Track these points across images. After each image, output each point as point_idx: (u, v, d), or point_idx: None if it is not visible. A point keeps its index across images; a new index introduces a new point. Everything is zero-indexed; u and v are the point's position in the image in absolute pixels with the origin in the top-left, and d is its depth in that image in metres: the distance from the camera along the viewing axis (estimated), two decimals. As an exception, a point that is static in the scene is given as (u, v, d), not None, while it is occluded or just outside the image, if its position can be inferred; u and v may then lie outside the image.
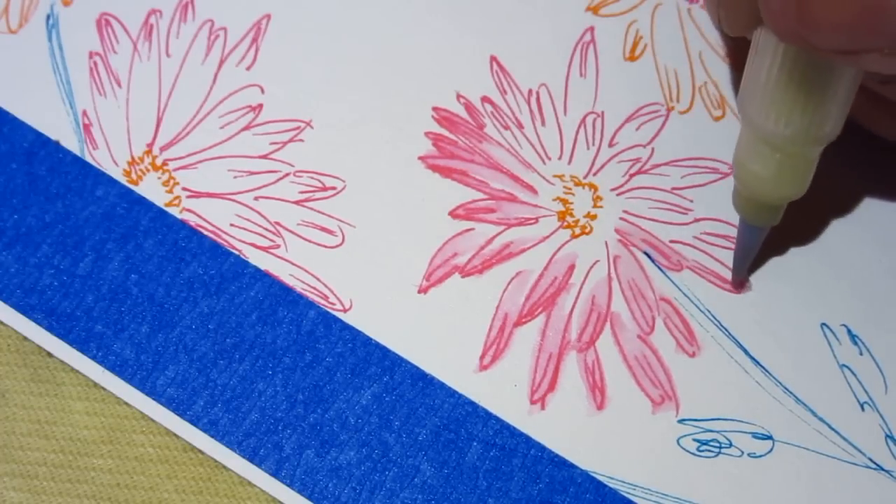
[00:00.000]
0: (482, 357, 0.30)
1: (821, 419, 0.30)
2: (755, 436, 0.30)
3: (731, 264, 0.31)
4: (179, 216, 0.32)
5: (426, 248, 0.31)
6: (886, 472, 0.29)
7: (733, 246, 0.31)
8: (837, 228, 0.32)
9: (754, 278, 0.31)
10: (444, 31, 0.34)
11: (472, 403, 0.30)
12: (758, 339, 0.30)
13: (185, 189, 0.32)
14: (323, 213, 0.32)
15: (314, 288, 0.31)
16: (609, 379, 0.30)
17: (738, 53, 0.33)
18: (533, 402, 0.30)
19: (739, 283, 0.31)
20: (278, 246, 0.31)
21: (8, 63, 0.33)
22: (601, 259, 0.31)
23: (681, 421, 0.30)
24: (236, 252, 0.31)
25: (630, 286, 0.31)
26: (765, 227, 0.30)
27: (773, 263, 0.31)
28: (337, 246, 0.31)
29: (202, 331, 0.30)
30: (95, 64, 0.33)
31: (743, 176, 0.28)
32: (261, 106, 0.33)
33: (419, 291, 0.31)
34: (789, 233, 0.31)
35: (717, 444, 0.29)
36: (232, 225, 0.32)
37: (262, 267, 0.31)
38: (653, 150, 0.32)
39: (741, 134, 0.28)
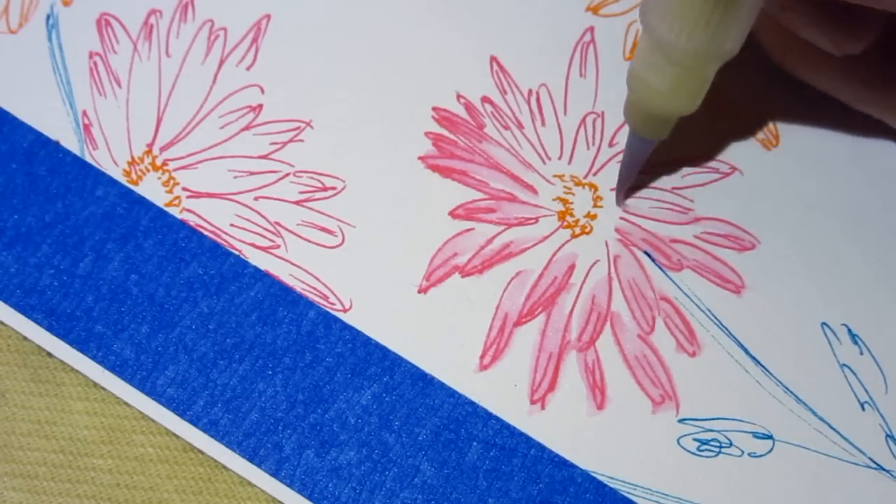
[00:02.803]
0: (482, 357, 0.30)
1: (821, 419, 0.30)
2: (755, 435, 0.30)
3: (732, 263, 0.31)
4: (179, 216, 0.32)
5: (426, 248, 0.31)
6: (887, 471, 0.29)
7: (734, 246, 0.31)
8: (837, 228, 0.32)
9: (754, 278, 0.31)
10: (444, 31, 0.34)
11: (472, 403, 0.30)
12: (758, 338, 0.30)
13: (185, 189, 0.32)
14: (323, 213, 0.32)
15: (314, 288, 0.31)
16: (609, 379, 0.30)
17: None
18: (533, 402, 0.30)
19: (622, 197, 0.31)
20: (278, 246, 0.31)
21: (8, 63, 0.33)
22: (601, 259, 0.31)
23: (681, 420, 0.30)
24: (236, 252, 0.31)
25: (630, 286, 0.31)
26: (653, 139, 0.30)
27: (773, 263, 0.31)
28: (337, 246, 0.31)
29: (202, 331, 0.30)
30: (95, 64, 0.33)
31: (638, 87, 0.29)
32: (261, 106, 0.33)
33: (419, 291, 0.31)
34: (789, 232, 0.31)
35: (718, 444, 0.29)
36: (232, 225, 0.32)
37: (262, 267, 0.31)
38: (653, 151, 0.32)
39: (640, 45, 0.28)
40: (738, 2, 0.26)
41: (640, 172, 0.32)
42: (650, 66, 0.28)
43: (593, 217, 0.32)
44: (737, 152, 0.32)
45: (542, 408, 0.30)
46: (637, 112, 0.30)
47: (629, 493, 0.29)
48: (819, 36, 0.28)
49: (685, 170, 0.32)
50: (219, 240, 0.31)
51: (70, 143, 0.32)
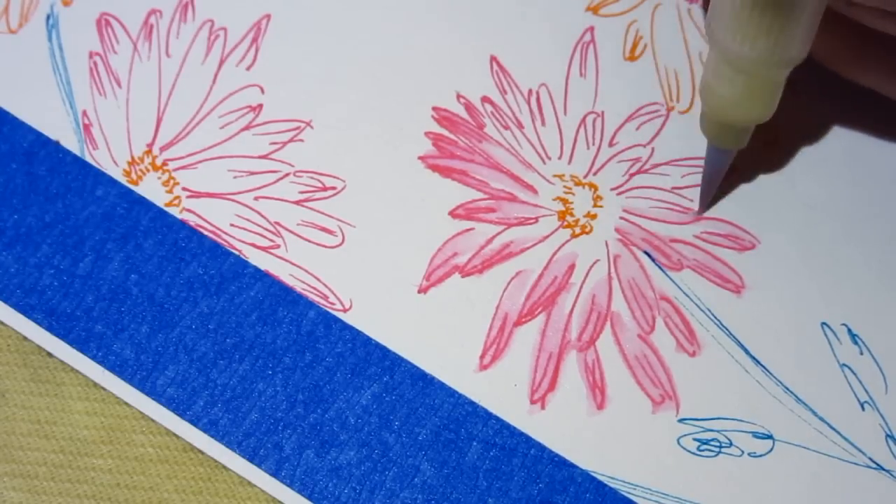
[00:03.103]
0: (482, 357, 0.30)
1: (821, 419, 0.30)
2: (755, 435, 0.30)
3: (732, 263, 0.31)
4: (179, 216, 0.32)
5: (426, 248, 0.31)
6: (887, 471, 0.29)
7: (734, 245, 0.31)
8: (837, 228, 0.32)
9: (754, 278, 0.31)
10: (444, 32, 0.34)
11: (472, 403, 0.30)
12: (758, 338, 0.30)
13: (185, 189, 0.32)
14: (323, 213, 0.32)
15: (314, 288, 0.31)
16: (609, 378, 0.30)
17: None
18: (533, 402, 0.30)
19: (703, 210, 0.31)
20: (278, 246, 0.31)
21: (8, 63, 0.33)
22: (601, 258, 0.31)
23: (681, 420, 0.30)
24: (236, 252, 0.31)
25: (630, 285, 0.31)
26: (731, 149, 0.30)
27: (774, 263, 0.31)
28: (337, 246, 0.31)
29: (202, 331, 0.30)
30: (95, 64, 0.33)
31: (710, 98, 0.29)
32: (261, 106, 0.33)
33: (419, 291, 0.31)
34: (789, 232, 0.31)
35: (718, 444, 0.29)
36: (232, 225, 0.32)
37: (262, 267, 0.31)
38: (653, 149, 0.32)
39: (709, 56, 0.28)
40: (799, 7, 0.26)
41: (640, 172, 0.32)
42: (719, 77, 0.28)
43: (593, 217, 0.32)
44: (737, 152, 0.32)
45: (542, 408, 0.30)
46: (712, 124, 0.30)
47: (629, 492, 0.29)
48: (890, 25, 0.28)
49: (685, 170, 0.32)
50: (219, 240, 0.31)
51: (70, 143, 0.32)
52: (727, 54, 0.27)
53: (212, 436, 0.30)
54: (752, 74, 0.28)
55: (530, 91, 0.33)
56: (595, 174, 0.32)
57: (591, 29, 0.34)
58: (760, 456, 0.29)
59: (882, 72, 0.30)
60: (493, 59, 0.33)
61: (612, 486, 0.29)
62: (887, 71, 0.30)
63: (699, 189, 0.31)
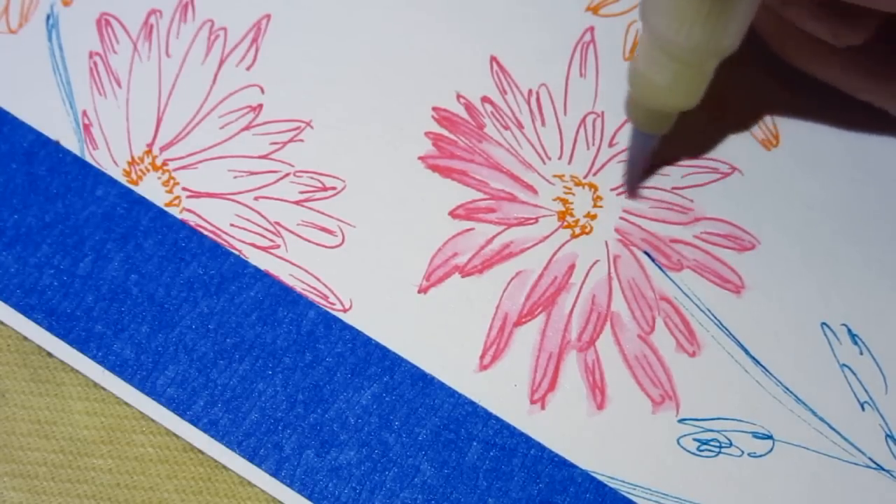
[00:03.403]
0: (482, 357, 0.30)
1: (821, 419, 0.30)
2: (755, 435, 0.30)
3: (732, 263, 0.31)
4: (179, 216, 0.32)
5: (426, 248, 0.31)
6: (886, 471, 0.29)
7: (734, 246, 0.31)
8: (837, 228, 0.32)
9: (754, 278, 0.31)
10: (444, 32, 0.34)
11: (472, 403, 0.30)
12: (758, 338, 0.30)
13: (185, 189, 0.32)
14: (323, 213, 0.32)
15: (314, 288, 0.31)
16: (609, 378, 0.30)
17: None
18: (533, 402, 0.30)
19: (632, 193, 0.32)
20: (278, 246, 0.31)
21: (8, 63, 0.33)
22: (601, 259, 0.31)
23: (681, 420, 0.30)
24: (236, 252, 0.31)
25: (630, 286, 0.31)
26: (655, 134, 0.30)
27: (774, 263, 0.31)
28: (337, 246, 0.31)
29: (202, 331, 0.30)
30: (95, 64, 0.33)
31: (638, 84, 0.29)
32: (261, 106, 0.33)
33: (419, 291, 0.31)
34: (789, 232, 0.31)
35: (718, 444, 0.29)
36: (232, 225, 0.32)
37: (262, 267, 0.31)
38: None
39: (640, 41, 0.28)
40: (736, 1, 0.26)
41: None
42: (650, 63, 0.28)
43: (593, 217, 0.32)
44: (737, 152, 0.32)
45: (542, 408, 0.30)
46: (638, 108, 0.30)
47: (629, 493, 0.29)
48: (821, 28, 0.28)
49: (685, 170, 0.32)
50: (219, 240, 0.31)
51: (70, 143, 0.32)
52: (661, 42, 0.27)
53: (212, 436, 0.30)
54: (684, 63, 0.28)
55: (530, 91, 0.33)
56: (595, 174, 0.32)
57: (591, 29, 0.34)
58: (760, 456, 0.29)
59: (831, 65, 0.31)
60: (493, 59, 0.33)
61: (612, 486, 0.29)
62: (835, 63, 0.31)
63: (625, 175, 0.32)
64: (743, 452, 0.29)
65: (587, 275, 0.31)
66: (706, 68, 0.28)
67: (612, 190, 0.32)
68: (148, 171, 0.32)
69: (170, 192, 0.32)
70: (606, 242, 0.31)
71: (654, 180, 0.32)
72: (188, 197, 0.32)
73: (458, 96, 0.33)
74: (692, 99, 0.29)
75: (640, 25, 0.28)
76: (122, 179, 0.32)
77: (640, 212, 0.32)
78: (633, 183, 0.32)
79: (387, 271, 0.31)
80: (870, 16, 0.28)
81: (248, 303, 0.31)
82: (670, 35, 0.27)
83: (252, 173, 0.32)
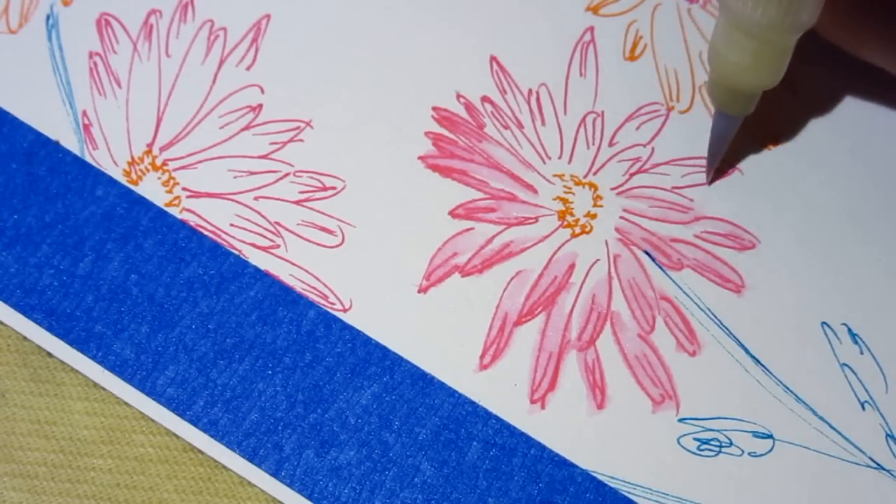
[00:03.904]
0: (482, 356, 0.30)
1: (821, 418, 0.30)
2: (756, 435, 0.30)
3: (732, 263, 0.31)
4: (179, 216, 0.32)
5: (426, 248, 0.31)
6: (887, 471, 0.29)
7: (734, 245, 0.31)
8: (837, 228, 0.32)
9: (754, 278, 0.31)
10: (443, 31, 0.34)
11: (472, 403, 0.30)
12: (758, 337, 0.30)
13: (185, 189, 0.32)
14: (323, 213, 0.32)
15: (314, 288, 0.31)
16: (609, 378, 0.30)
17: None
18: (533, 402, 0.30)
19: (711, 177, 0.32)
20: (278, 246, 0.31)
21: (8, 63, 0.33)
22: (601, 258, 0.31)
23: (681, 420, 0.30)
24: (236, 252, 0.31)
25: (630, 285, 0.31)
26: (739, 115, 0.30)
27: (773, 263, 0.31)
28: (337, 246, 0.31)
29: (202, 331, 0.30)
30: (95, 64, 0.33)
31: (719, 64, 0.29)
32: (261, 106, 0.33)
33: (419, 291, 0.31)
34: (789, 232, 0.31)
35: (718, 444, 0.29)
36: (232, 225, 0.32)
37: (262, 267, 0.31)
38: (653, 149, 0.32)
39: (718, 22, 0.29)
40: None
41: (640, 172, 0.32)
42: (729, 43, 0.28)
43: (593, 216, 0.32)
44: (737, 152, 0.32)
45: (542, 407, 0.30)
46: (720, 89, 0.30)
47: (629, 492, 0.29)
48: None
49: (685, 169, 0.32)
50: (219, 240, 0.31)
51: (70, 143, 0.32)
52: (738, 20, 0.27)
53: (212, 436, 0.30)
54: (763, 40, 0.28)
55: (530, 91, 0.33)
56: (595, 174, 0.32)
57: (591, 29, 0.34)
58: (760, 455, 0.29)
59: (883, 47, 0.30)
60: (493, 59, 0.33)
61: (612, 485, 0.29)
62: (886, 45, 0.30)
63: (705, 159, 0.32)
64: (743, 452, 0.29)
65: (587, 274, 0.31)
66: (786, 44, 0.28)
67: (612, 189, 0.32)
68: (148, 171, 0.32)
69: (170, 192, 0.32)
70: (606, 242, 0.31)
71: (654, 180, 0.32)
72: (188, 197, 0.32)
73: (458, 96, 0.33)
74: (774, 76, 0.29)
75: (718, 5, 0.28)
76: (122, 179, 0.32)
77: (640, 211, 0.32)
78: (713, 165, 0.32)
79: (387, 271, 0.31)
80: None
81: (248, 303, 0.31)
82: (747, 12, 0.27)
83: (252, 173, 0.32)
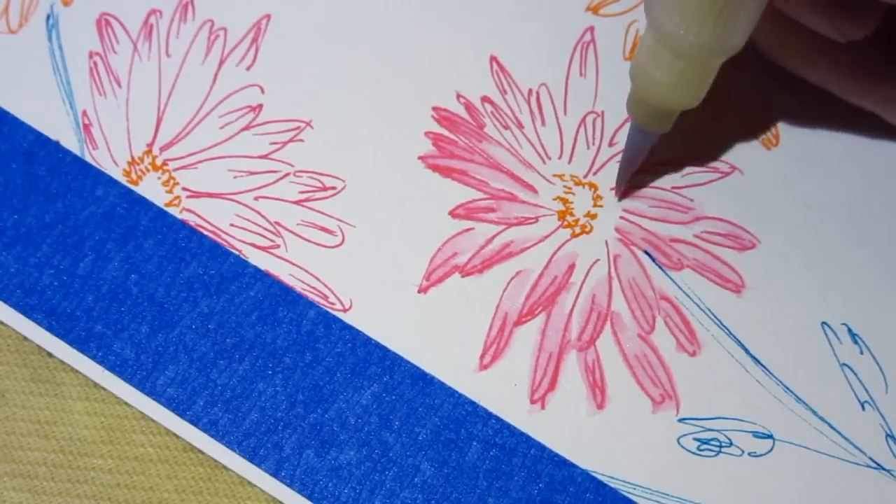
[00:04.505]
0: (482, 356, 0.30)
1: (821, 418, 0.30)
2: (756, 435, 0.30)
3: (732, 263, 0.31)
4: (179, 216, 0.32)
5: (426, 248, 0.31)
6: (887, 471, 0.29)
7: (734, 245, 0.31)
8: (837, 228, 0.32)
9: (754, 278, 0.31)
10: (444, 31, 0.34)
11: (472, 403, 0.30)
12: (758, 337, 0.30)
13: (185, 189, 0.32)
14: (323, 213, 0.32)
15: (314, 288, 0.31)
16: (609, 378, 0.30)
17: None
18: (533, 402, 0.30)
19: (622, 191, 0.31)
20: (278, 246, 0.31)
21: (8, 63, 0.33)
22: (601, 258, 0.31)
23: (681, 420, 0.30)
24: (236, 252, 0.31)
25: (630, 285, 0.31)
26: (655, 132, 0.30)
27: (774, 263, 0.31)
28: (337, 246, 0.31)
29: (202, 331, 0.30)
30: (95, 64, 0.33)
31: (642, 80, 0.29)
32: (261, 106, 0.33)
33: (419, 291, 0.31)
34: (789, 232, 0.31)
35: (718, 444, 0.29)
36: (232, 225, 0.32)
37: (262, 267, 0.31)
38: (653, 149, 0.32)
39: (644, 37, 0.28)
40: None
41: (640, 172, 0.32)
42: (655, 60, 0.28)
43: (593, 216, 0.32)
44: (737, 152, 0.32)
45: (543, 407, 0.30)
46: (640, 105, 0.30)
47: (629, 492, 0.29)
48: (822, 23, 0.28)
49: (685, 169, 0.32)
50: (219, 240, 0.31)
51: (70, 143, 0.32)
52: (668, 39, 0.27)
53: (212, 436, 0.30)
54: (692, 61, 0.27)
55: (530, 91, 0.33)
56: (595, 174, 0.32)
57: (591, 29, 0.34)
58: (760, 455, 0.29)
59: (825, 68, 0.31)
60: (493, 59, 0.33)
61: (612, 485, 0.29)
62: (829, 67, 0.30)
63: (616, 172, 0.32)
64: (743, 452, 0.29)
65: (587, 274, 0.31)
66: (712, 66, 0.28)
67: (613, 189, 0.32)
68: (148, 171, 0.32)
69: (170, 192, 0.32)
70: (606, 242, 0.31)
71: (653, 179, 0.32)
72: (188, 197, 0.32)
73: (458, 96, 0.33)
74: (696, 97, 0.29)
75: (645, 22, 0.28)
76: (122, 179, 0.32)
77: (640, 211, 0.32)
78: (624, 180, 0.32)
79: (387, 271, 0.31)
80: (871, 11, 0.28)
81: (248, 303, 0.31)
82: (679, 33, 0.27)
83: (252, 173, 0.32)
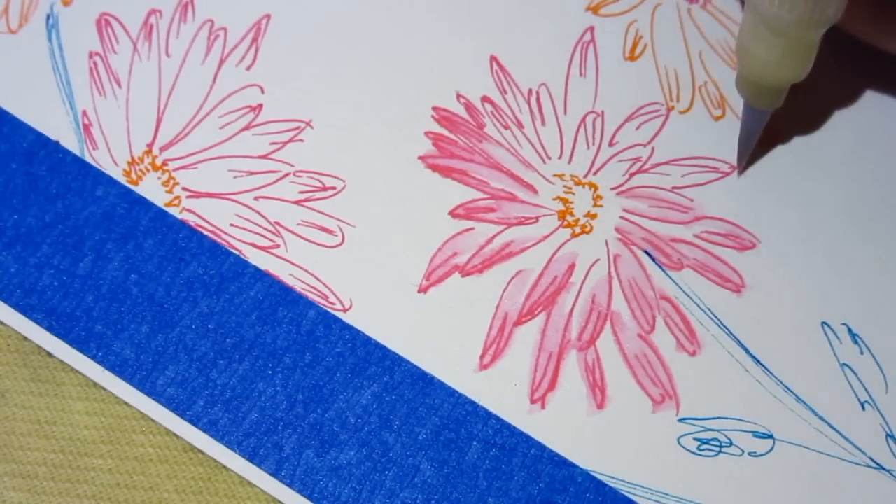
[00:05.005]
0: (482, 356, 0.30)
1: (821, 418, 0.30)
2: (756, 435, 0.30)
3: (732, 263, 0.31)
4: (179, 216, 0.32)
5: (426, 248, 0.31)
6: (887, 471, 0.29)
7: (734, 245, 0.31)
8: (837, 228, 0.32)
9: (754, 277, 0.31)
10: (444, 31, 0.34)
11: (472, 403, 0.30)
12: (758, 337, 0.30)
13: (185, 189, 0.32)
14: (323, 213, 0.32)
15: (314, 288, 0.31)
16: (609, 378, 0.30)
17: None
18: (533, 402, 0.30)
19: (742, 169, 0.32)
20: (278, 246, 0.31)
21: (8, 63, 0.33)
22: (601, 258, 0.31)
23: (681, 420, 0.30)
24: (236, 252, 0.31)
25: (630, 285, 0.31)
26: (768, 109, 0.31)
27: (774, 263, 0.31)
28: (337, 246, 0.31)
29: (202, 331, 0.30)
30: (95, 64, 0.33)
31: (748, 60, 0.29)
32: (261, 106, 0.33)
33: (419, 291, 0.31)
34: (789, 232, 0.31)
35: (718, 443, 0.29)
36: (232, 225, 0.32)
37: (262, 267, 0.31)
38: (653, 149, 0.32)
39: (744, 19, 0.29)
40: None
41: (640, 172, 0.32)
42: (756, 39, 0.28)
43: (593, 216, 0.32)
44: (737, 152, 0.32)
45: (543, 407, 0.30)
46: (748, 84, 0.30)
47: (629, 492, 0.29)
48: None
49: (685, 169, 0.32)
50: (219, 240, 0.31)
51: (70, 143, 0.32)
52: (766, 17, 0.28)
53: (212, 436, 0.30)
54: (791, 36, 0.28)
55: (530, 91, 0.33)
56: (595, 174, 0.32)
57: (591, 29, 0.34)
58: (760, 455, 0.29)
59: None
60: (493, 59, 0.33)
61: (612, 485, 0.29)
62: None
63: (736, 151, 0.32)
64: (743, 452, 0.29)
65: (587, 274, 0.31)
66: (813, 39, 0.28)
67: (612, 189, 0.32)
68: (148, 171, 0.32)
69: (170, 192, 0.32)
70: (606, 242, 0.31)
71: (654, 180, 0.32)
72: (188, 197, 0.32)
73: (458, 96, 0.33)
74: (802, 71, 0.29)
75: (744, 3, 0.28)
76: (122, 179, 0.32)
77: (640, 211, 0.32)
78: (744, 158, 0.32)
79: (387, 271, 0.31)
80: None
81: (248, 303, 0.31)
82: (774, 10, 0.27)
83: (252, 173, 0.32)
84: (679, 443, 0.29)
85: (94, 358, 0.30)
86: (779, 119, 0.32)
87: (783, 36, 0.28)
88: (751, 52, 0.29)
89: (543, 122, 0.33)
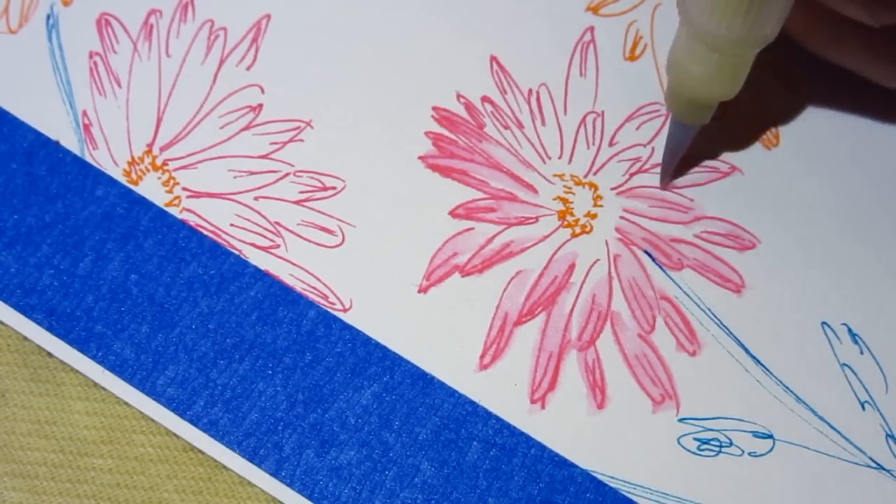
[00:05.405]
0: (482, 356, 0.30)
1: (821, 418, 0.30)
2: (756, 435, 0.30)
3: (732, 263, 0.31)
4: (179, 216, 0.32)
5: (426, 248, 0.31)
6: (887, 471, 0.29)
7: (734, 245, 0.31)
8: (837, 228, 0.32)
9: (754, 277, 0.31)
10: (444, 31, 0.34)
11: (472, 403, 0.30)
12: (758, 337, 0.30)
13: (185, 189, 0.32)
14: (323, 213, 0.32)
15: (314, 288, 0.31)
16: (609, 378, 0.30)
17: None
18: (533, 402, 0.30)
19: (665, 183, 0.32)
20: (278, 246, 0.31)
21: (8, 63, 0.33)
22: (601, 258, 0.31)
23: (681, 420, 0.30)
24: (236, 252, 0.31)
25: (630, 285, 0.31)
26: (695, 125, 0.30)
27: (773, 263, 0.31)
28: (337, 246, 0.31)
29: (202, 331, 0.30)
30: (95, 64, 0.33)
31: (679, 75, 0.29)
32: (261, 106, 0.33)
33: (419, 291, 0.31)
34: (789, 232, 0.31)
35: (718, 443, 0.29)
36: (232, 225, 0.32)
37: (262, 267, 0.31)
38: (653, 149, 0.32)
39: (679, 33, 0.29)
40: None
41: (640, 172, 0.32)
42: (690, 54, 0.28)
43: (593, 216, 0.32)
44: (737, 152, 0.32)
45: (543, 407, 0.30)
46: (678, 99, 0.30)
47: (629, 492, 0.29)
48: (856, 8, 0.28)
49: (685, 169, 0.32)
50: (219, 240, 0.31)
51: (70, 143, 0.32)
52: (702, 33, 0.27)
53: (212, 436, 0.30)
54: (725, 53, 0.28)
55: (530, 91, 0.33)
56: (595, 174, 0.32)
57: (591, 29, 0.34)
58: (760, 455, 0.29)
59: (855, 52, 0.31)
60: (493, 59, 0.33)
61: (612, 485, 0.29)
62: (859, 50, 0.30)
63: (660, 165, 0.32)
64: (743, 452, 0.29)
65: (587, 274, 0.31)
66: (747, 58, 0.28)
67: (613, 189, 0.32)
68: (148, 171, 0.32)
69: (170, 192, 0.32)
70: (607, 242, 0.31)
71: (654, 180, 0.32)
72: (188, 197, 0.32)
73: (458, 96, 0.33)
74: (733, 89, 0.29)
75: (679, 16, 0.28)
76: (122, 179, 0.32)
77: (640, 211, 0.32)
78: (667, 172, 0.32)
79: (387, 271, 0.31)
80: None
81: (248, 303, 0.31)
82: (710, 27, 0.27)
83: (252, 173, 0.32)
84: (679, 443, 0.29)
85: (94, 358, 0.30)
86: (779, 119, 0.32)
87: (718, 53, 0.28)
88: (684, 67, 0.29)
89: (543, 122, 0.33)
